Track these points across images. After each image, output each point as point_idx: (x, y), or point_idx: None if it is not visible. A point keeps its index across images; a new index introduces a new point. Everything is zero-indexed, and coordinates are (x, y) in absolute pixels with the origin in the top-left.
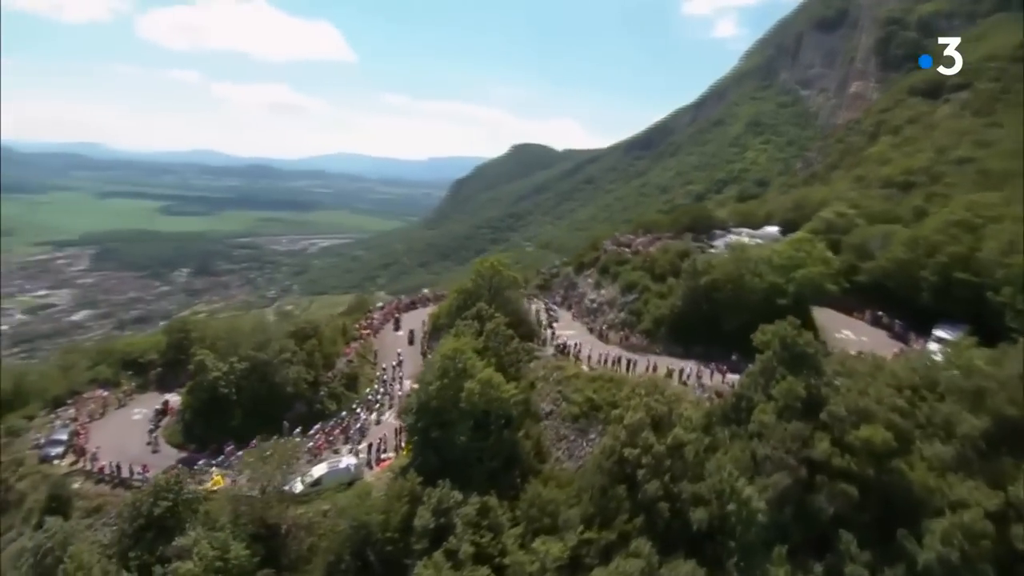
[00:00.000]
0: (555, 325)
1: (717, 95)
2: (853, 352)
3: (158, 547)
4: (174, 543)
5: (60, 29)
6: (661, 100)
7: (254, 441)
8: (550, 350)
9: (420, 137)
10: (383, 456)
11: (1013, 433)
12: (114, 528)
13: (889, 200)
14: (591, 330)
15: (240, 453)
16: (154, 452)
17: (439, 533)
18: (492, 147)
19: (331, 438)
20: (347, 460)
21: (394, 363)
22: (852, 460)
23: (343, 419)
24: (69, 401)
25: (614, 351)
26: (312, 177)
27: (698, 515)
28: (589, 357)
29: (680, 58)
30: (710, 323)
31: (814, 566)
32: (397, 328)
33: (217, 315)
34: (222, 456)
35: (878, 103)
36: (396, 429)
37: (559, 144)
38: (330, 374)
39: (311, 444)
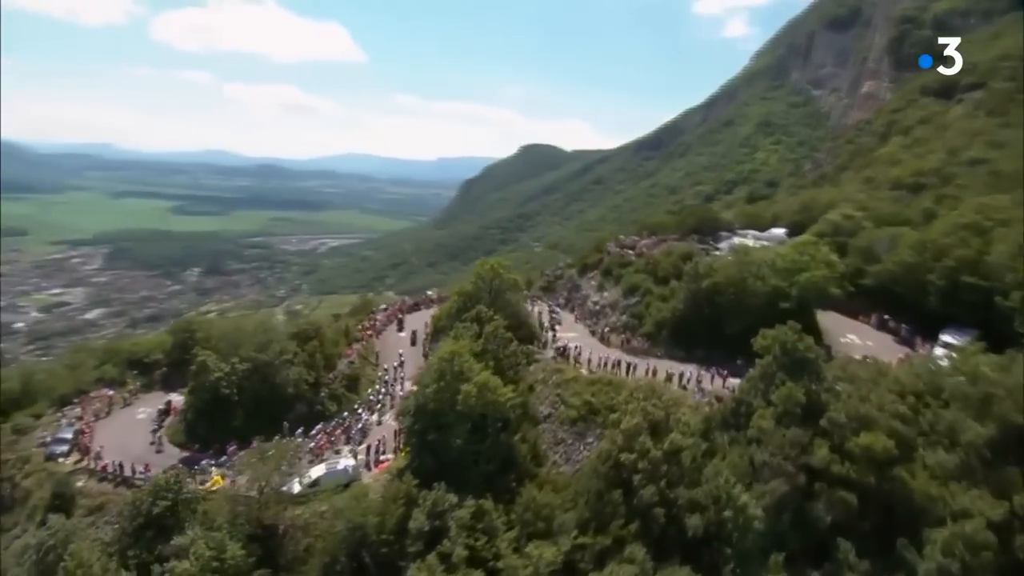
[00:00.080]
0: (558, 328)
1: (727, 95)
2: (858, 356)
3: (157, 546)
4: (172, 542)
5: (78, 32)
6: (671, 100)
7: (254, 441)
8: (550, 353)
9: (429, 137)
10: (382, 458)
11: (1019, 441)
12: (115, 526)
13: (898, 202)
14: (593, 333)
15: (242, 453)
16: (157, 452)
17: (434, 536)
18: (501, 147)
19: (332, 438)
20: (345, 461)
21: (396, 364)
22: (852, 467)
23: (345, 419)
24: (76, 400)
25: (614, 354)
26: (322, 177)
27: (694, 521)
28: (589, 360)
29: (690, 58)
30: (712, 327)
31: (812, 575)
32: (400, 329)
33: (227, 314)
34: (224, 456)
35: (890, 103)
36: (396, 431)
37: (568, 144)
38: (331, 375)
39: (312, 444)
